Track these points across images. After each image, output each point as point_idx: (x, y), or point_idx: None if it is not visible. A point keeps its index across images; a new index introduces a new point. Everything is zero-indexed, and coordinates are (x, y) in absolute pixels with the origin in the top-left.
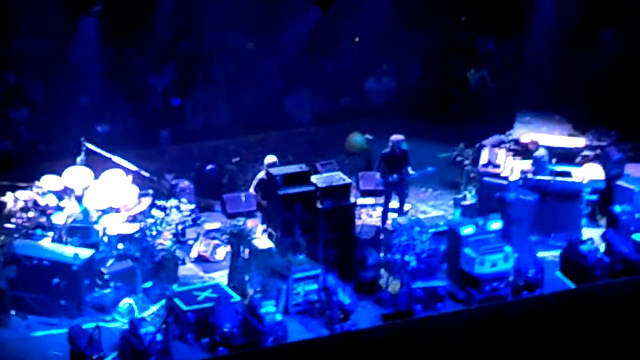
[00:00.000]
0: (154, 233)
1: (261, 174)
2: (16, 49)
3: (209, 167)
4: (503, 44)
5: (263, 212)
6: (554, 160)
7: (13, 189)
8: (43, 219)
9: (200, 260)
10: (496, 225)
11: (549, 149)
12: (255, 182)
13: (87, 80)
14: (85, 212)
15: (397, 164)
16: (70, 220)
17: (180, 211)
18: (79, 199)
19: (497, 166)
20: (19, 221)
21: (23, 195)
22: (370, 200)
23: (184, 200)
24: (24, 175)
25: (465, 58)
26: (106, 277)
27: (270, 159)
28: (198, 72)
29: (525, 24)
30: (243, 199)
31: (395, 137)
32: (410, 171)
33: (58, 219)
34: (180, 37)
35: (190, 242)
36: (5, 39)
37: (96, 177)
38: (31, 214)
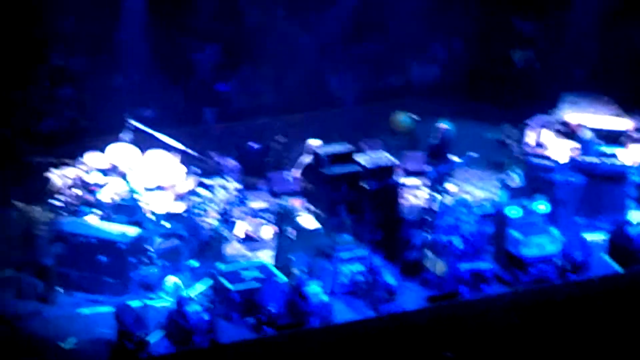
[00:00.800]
0: (201, 212)
1: (307, 159)
2: (61, 27)
3: (254, 145)
4: (545, 23)
5: (309, 196)
6: (600, 142)
7: (59, 166)
8: (89, 196)
9: (247, 239)
10: (542, 207)
11: (595, 131)
12: (301, 165)
13: (132, 58)
14: (132, 190)
15: (443, 153)
16: (116, 197)
17: (227, 190)
18: (125, 177)
19: (544, 147)
20: (66, 198)
21: (69, 172)
22: (415, 181)
23: (229, 178)
24: (70, 153)
25: (510, 37)
26: (152, 255)
27: (315, 142)
28: (244, 50)
29: (568, 2)
30: (289, 178)
31: (442, 125)
32: (456, 159)
33: (104, 196)
34: (223, 17)
35: (237, 221)
36: (51, 17)
37: (142, 154)
38: (77, 191)
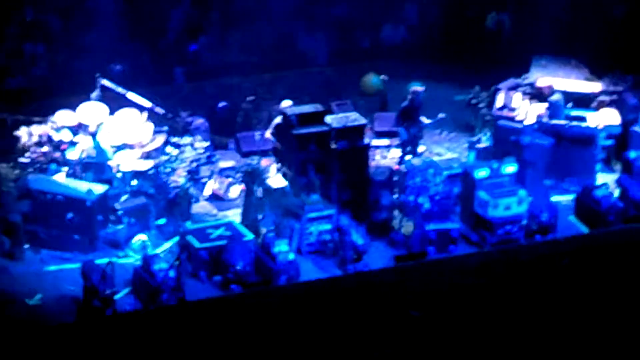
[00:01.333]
0: (168, 170)
1: (278, 119)
2: None
3: (221, 104)
4: None
5: (279, 156)
6: (569, 105)
7: (28, 124)
8: (57, 154)
9: (214, 198)
10: (510, 168)
11: (565, 94)
12: (271, 126)
13: (103, 18)
14: (99, 148)
15: (414, 115)
16: (84, 155)
17: (195, 149)
18: (94, 135)
19: (513, 110)
20: (33, 155)
21: (37, 129)
22: (384, 142)
23: (198, 137)
24: (39, 110)
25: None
26: (120, 213)
27: (287, 103)
28: (214, 10)
29: None
30: (257, 137)
31: (415, 88)
32: (425, 120)
33: (72, 154)
34: None
35: (204, 179)
36: None
37: (111, 113)
38: (45, 149)
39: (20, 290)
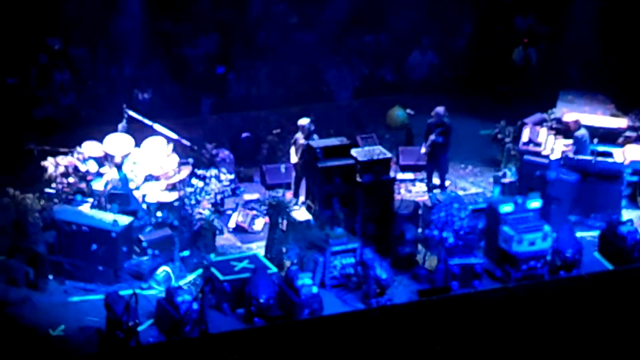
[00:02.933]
0: (193, 202)
1: (301, 138)
2: (62, 15)
3: (244, 135)
4: (544, 21)
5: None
6: (595, 140)
7: (54, 154)
8: (83, 185)
9: (238, 230)
10: (535, 204)
11: (591, 129)
12: (293, 148)
13: (130, 48)
14: (125, 179)
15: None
16: (109, 186)
17: (220, 181)
18: (119, 166)
19: (538, 144)
20: (59, 186)
21: (64, 160)
22: (409, 176)
23: (223, 170)
24: (65, 141)
25: (509, 35)
26: (144, 244)
27: (304, 121)
28: (241, 42)
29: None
30: (283, 170)
31: (437, 108)
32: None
33: (98, 185)
34: (223, 7)
35: (229, 212)
36: (53, 5)
37: (137, 144)
38: (71, 180)
39: (44, 321)
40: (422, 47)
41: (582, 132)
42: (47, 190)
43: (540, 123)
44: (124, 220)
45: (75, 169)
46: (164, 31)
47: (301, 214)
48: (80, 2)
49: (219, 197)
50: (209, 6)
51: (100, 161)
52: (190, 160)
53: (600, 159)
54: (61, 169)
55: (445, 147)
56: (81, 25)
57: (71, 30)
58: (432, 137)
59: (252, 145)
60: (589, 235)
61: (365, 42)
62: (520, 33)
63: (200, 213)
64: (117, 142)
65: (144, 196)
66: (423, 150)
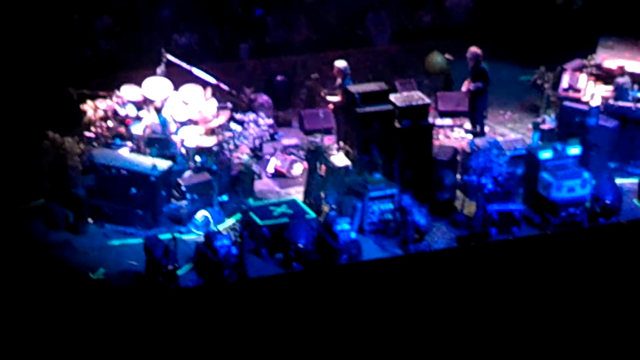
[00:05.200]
0: (232, 147)
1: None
2: None
3: (279, 78)
4: None
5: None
6: (636, 87)
7: (93, 98)
8: (122, 129)
9: (277, 175)
10: (575, 150)
11: (632, 75)
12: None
13: None
14: (164, 123)
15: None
16: (148, 131)
17: (258, 125)
18: (158, 110)
19: (578, 91)
20: (98, 130)
21: (103, 104)
22: (448, 121)
23: (262, 114)
24: (104, 85)
25: None
26: (183, 189)
27: (341, 63)
28: None
29: None
30: (321, 115)
31: (473, 50)
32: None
33: (137, 129)
34: None
35: (268, 157)
36: None
37: (175, 88)
38: (110, 124)
39: (84, 264)
40: None
41: (625, 78)
42: (87, 133)
43: (580, 69)
44: (163, 164)
45: (115, 112)
46: None
47: (340, 159)
48: None
49: (257, 141)
50: None
51: (139, 105)
52: (229, 104)
53: None
54: (100, 113)
55: (484, 92)
56: None
57: None
58: (471, 86)
59: (287, 88)
60: (628, 182)
61: None
62: None
63: (239, 158)
64: (156, 86)
65: (182, 140)
66: (464, 88)
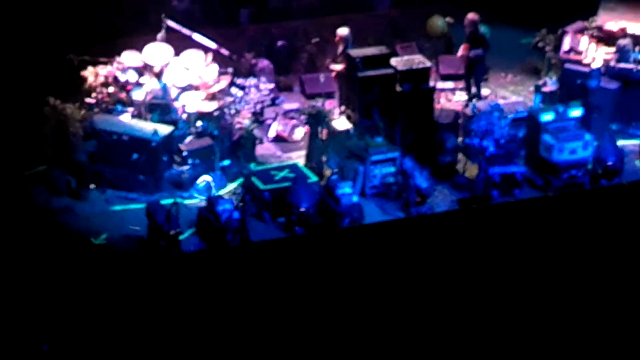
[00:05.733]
0: (233, 112)
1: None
2: None
3: (279, 43)
4: None
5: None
6: (637, 49)
7: (94, 64)
8: (123, 95)
9: (278, 139)
10: (576, 112)
11: (633, 37)
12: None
13: None
14: (165, 89)
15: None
16: (149, 96)
17: (259, 90)
18: (159, 76)
19: (580, 53)
20: (99, 96)
21: (104, 70)
22: (449, 85)
23: (263, 79)
24: (105, 51)
25: None
26: (184, 154)
27: (344, 30)
28: None
29: None
30: (322, 79)
31: (471, 16)
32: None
33: (138, 95)
34: None
35: (269, 121)
36: None
37: (176, 54)
38: (111, 89)
39: (86, 229)
40: None
41: (626, 40)
42: (88, 100)
43: (581, 31)
44: (164, 129)
45: (115, 78)
46: None
47: (341, 123)
48: None
49: (258, 106)
50: None
51: (140, 71)
52: (230, 69)
53: None
54: (101, 79)
55: (482, 59)
56: None
57: None
58: (470, 53)
59: (289, 53)
60: (630, 143)
61: None
62: None
63: (240, 122)
64: (157, 52)
65: (183, 106)
66: (460, 53)
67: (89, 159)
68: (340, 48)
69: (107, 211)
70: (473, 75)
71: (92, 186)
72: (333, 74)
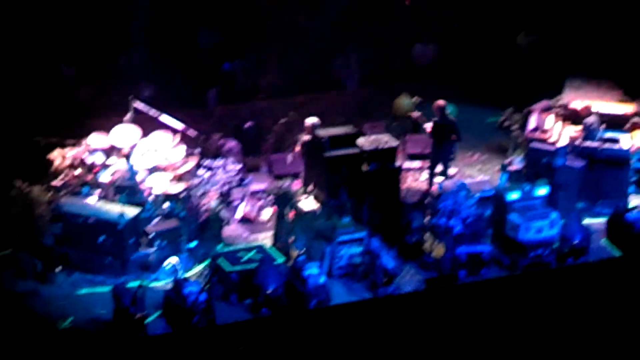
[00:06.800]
0: (200, 193)
1: (306, 137)
2: (67, 5)
3: (247, 124)
4: (549, 7)
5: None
6: (603, 127)
7: (61, 146)
8: (90, 177)
9: (246, 220)
10: (543, 191)
11: (598, 115)
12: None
13: (136, 38)
14: (132, 171)
15: (445, 133)
16: (116, 178)
17: (227, 171)
18: (126, 158)
19: (545, 131)
20: (66, 178)
21: (70, 152)
22: (416, 164)
23: (230, 160)
24: (72, 133)
25: (515, 22)
26: (151, 236)
27: (312, 120)
28: (248, 32)
29: None
30: (290, 159)
31: (437, 103)
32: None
33: (105, 177)
34: None
35: (236, 202)
36: None
37: (144, 135)
38: (78, 172)
39: (52, 313)
40: (429, 34)
41: (592, 118)
42: (54, 182)
43: (547, 110)
44: (131, 211)
45: (82, 161)
46: (171, 22)
47: (308, 203)
48: None
49: (225, 187)
50: None
51: (107, 153)
52: (197, 150)
53: (607, 145)
54: (68, 161)
55: (451, 141)
56: (87, 16)
57: (77, 22)
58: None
59: (256, 134)
60: (596, 221)
61: (372, 29)
62: (526, 19)
63: (208, 204)
64: (124, 134)
65: (151, 187)
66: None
67: (56, 241)
68: (308, 137)
69: (73, 294)
70: (441, 154)
71: (58, 269)
72: (297, 149)
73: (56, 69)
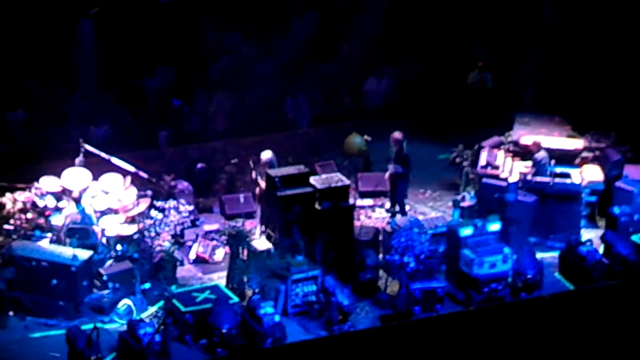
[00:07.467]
0: (153, 234)
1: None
2: (13, 49)
3: (199, 166)
4: (499, 46)
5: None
6: (553, 162)
7: (11, 190)
8: (41, 220)
9: (199, 261)
10: (495, 226)
11: (548, 151)
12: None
13: (84, 81)
14: (84, 214)
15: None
16: (68, 221)
17: (179, 212)
18: (78, 200)
19: (496, 167)
20: (18, 222)
21: (21, 196)
22: (369, 202)
23: (182, 201)
24: (23, 177)
25: (465, 60)
26: (104, 278)
27: (267, 154)
28: (197, 73)
29: (521, 27)
30: (242, 200)
31: (394, 135)
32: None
33: (56, 220)
34: (179, 39)
35: (189, 243)
36: (3, 40)
37: (95, 178)
38: (30, 215)
39: (5, 358)
40: (378, 73)
41: (542, 154)
42: (5, 226)
43: (497, 146)
44: (84, 254)
45: (34, 204)
46: (119, 64)
47: (261, 243)
48: (33, 37)
49: (178, 228)
50: (165, 38)
51: (59, 196)
52: (149, 192)
53: (558, 180)
54: (19, 205)
55: (405, 175)
56: (35, 60)
57: (25, 66)
58: (392, 168)
59: (208, 175)
60: (549, 256)
61: (321, 69)
62: (476, 58)
63: (160, 245)
64: (75, 177)
65: (103, 230)
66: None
67: (8, 285)
68: (257, 175)
69: (27, 338)
70: (395, 192)
71: (10, 313)
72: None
73: (4, 113)
